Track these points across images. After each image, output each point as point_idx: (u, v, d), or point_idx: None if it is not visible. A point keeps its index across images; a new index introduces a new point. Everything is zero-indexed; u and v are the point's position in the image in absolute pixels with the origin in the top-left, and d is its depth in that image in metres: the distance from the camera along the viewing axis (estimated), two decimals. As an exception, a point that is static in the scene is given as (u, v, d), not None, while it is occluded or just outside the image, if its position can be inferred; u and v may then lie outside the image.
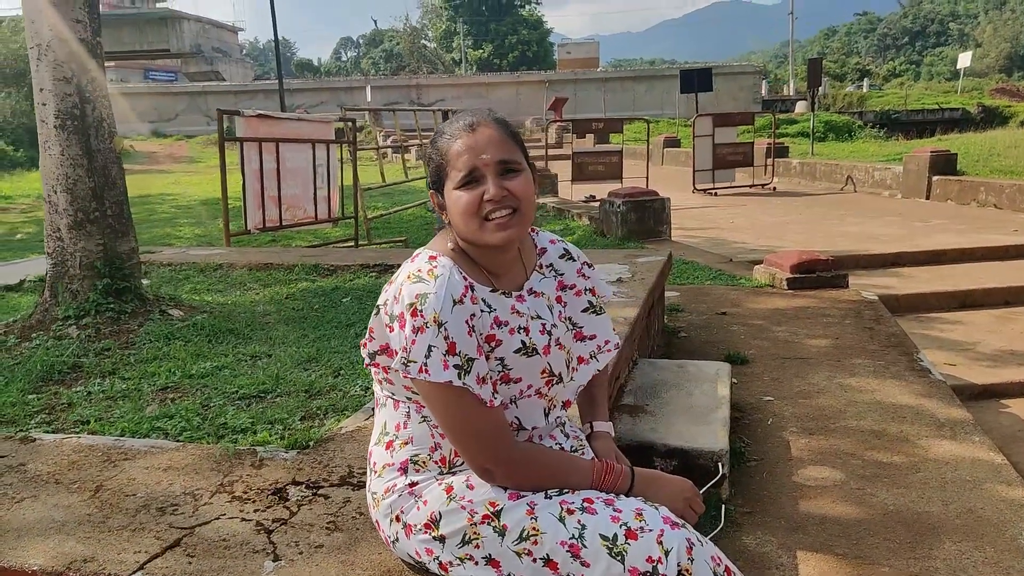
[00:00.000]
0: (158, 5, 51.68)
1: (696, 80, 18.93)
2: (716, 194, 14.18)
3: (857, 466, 3.08)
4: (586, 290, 1.73)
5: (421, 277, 1.46)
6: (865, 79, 46.53)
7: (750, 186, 14.79)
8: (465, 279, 1.51)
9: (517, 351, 1.54)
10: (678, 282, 6.59)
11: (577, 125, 18.68)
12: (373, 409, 2.45)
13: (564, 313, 1.68)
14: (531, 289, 1.63)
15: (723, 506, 2.68)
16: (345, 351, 3.43)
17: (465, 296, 1.47)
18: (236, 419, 2.56)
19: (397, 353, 1.47)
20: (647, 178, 13.31)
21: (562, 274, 1.71)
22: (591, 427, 1.78)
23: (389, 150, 18.26)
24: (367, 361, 1.61)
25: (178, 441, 2.30)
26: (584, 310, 1.71)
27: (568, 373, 1.65)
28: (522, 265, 1.65)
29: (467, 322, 1.45)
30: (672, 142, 22.00)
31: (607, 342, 1.74)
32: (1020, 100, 36.62)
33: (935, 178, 12.42)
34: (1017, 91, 41.96)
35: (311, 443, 2.15)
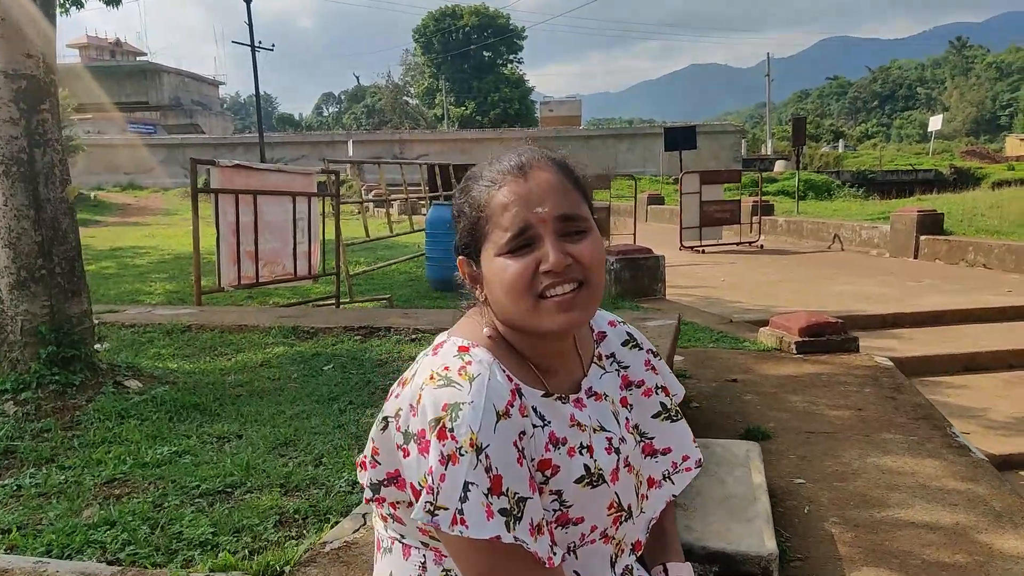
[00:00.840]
0: (138, 59, 51.80)
1: (680, 138, 18.95)
2: (704, 251, 13.98)
3: (917, 568, 2.69)
4: (657, 388, 1.31)
5: (450, 379, 1.06)
6: (840, 140, 47.44)
7: (737, 243, 14.62)
8: (510, 380, 1.11)
9: (579, 480, 1.13)
10: (680, 345, 6.22)
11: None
12: (363, 517, 2.03)
13: (631, 420, 1.28)
14: (591, 390, 1.23)
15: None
16: (327, 432, 3.00)
17: (512, 406, 1.06)
18: (194, 527, 2.12)
19: (413, 487, 1.06)
20: (635, 235, 13.08)
21: (627, 367, 1.30)
22: (664, 570, 1.34)
23: (372, 204, 17.97)
24: (368, 495, 1.19)
25: (115, 563, 1.85)
26: (656, 415, 1.30)
27: (638, 503, 1.24)
28: (578, 357, 1.24)
29: (515, 444, 1.05)
30: (656, 199, 21.94)
31: (686, 458, 1.32)
32: (990, 162, 37.37)
33: (923, 237, 12.30)
34: (987, 153, 42.95)
35: (287, 569, 1.71)
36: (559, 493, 1.12)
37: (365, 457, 1.20)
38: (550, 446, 1.12)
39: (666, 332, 4.12)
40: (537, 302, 1.09)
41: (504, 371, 1.11)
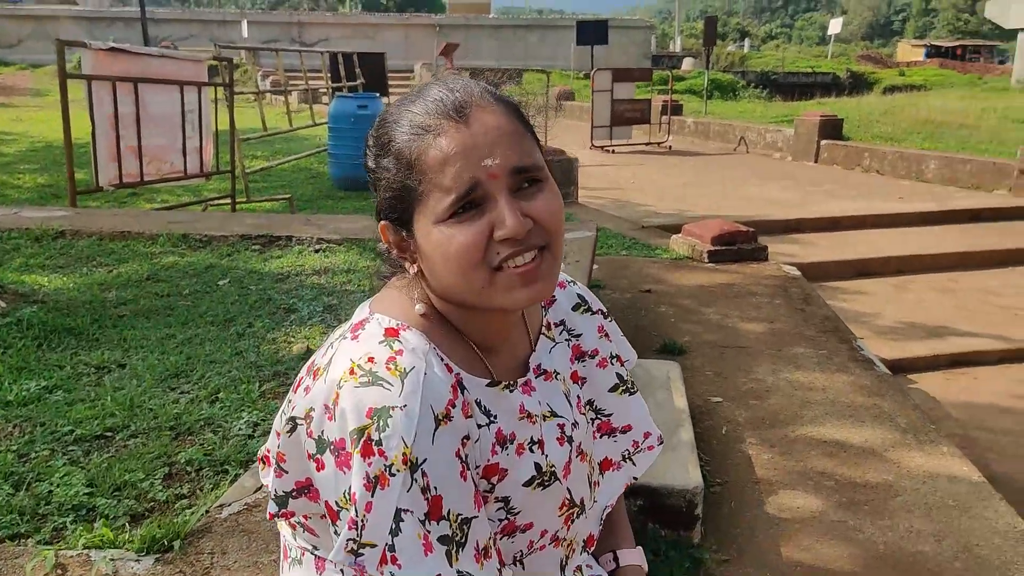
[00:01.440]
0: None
1: (592, 32, 18.47)
2: (614, 151, 13.87)
3: (831, 490, 2.72)
4: (612, 357, 1.13)
5: (376, 375, 0.84)
6: (746, 39, 47.61)
7: (646, 144, 14.57)
8: (449, 370, 0.90)
9: (529, 482, 0.95)
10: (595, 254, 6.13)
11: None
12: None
13: (583, 397, 1.09)
14: (540, 368, 1.03)
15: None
16: (223, 360, 2.73)
17: (454, 405, 0.86)
18: (66, 485, 1.84)
19: (330, 506, 0.85)
20: (545, 134, 12.78)
21: (579, 335, 1.11)
22: (615, 558, 1.18)
23: (269, 93, 16.83)
24: (273, 509, 0.97)
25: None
26: (612, 388, 1.12)
27: (591, 494, 1.07)
28: (525, 329, 1.04)
29: (458, 454, 0.85)
30: (566, 95, 21.49)
31: (647, 435, 1.16)
32: (883, 67, 38.37)
33: (823, 142, 12.56)
34: (880, 58, 44.08)
35: (176, 544, 1.48)
36: (506, 500, 0.94)
37: (267, 453, 0.98)
38: (497, 447, 0.92)
39: (586, 246, 3.97)
40: (492, 275, 0.87)
41: (443, 359, 0.90)
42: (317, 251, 4.21)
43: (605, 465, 1.12)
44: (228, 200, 7.26)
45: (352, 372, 0.84)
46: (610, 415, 1.13)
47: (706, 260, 5.80)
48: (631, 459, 1.15)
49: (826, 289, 6.35)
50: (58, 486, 1.84)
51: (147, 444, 2.10)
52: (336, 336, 0.94)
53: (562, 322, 1.11)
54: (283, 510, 0.95)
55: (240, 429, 2.19)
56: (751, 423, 3.24)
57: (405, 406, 0.82)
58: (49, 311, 3.17)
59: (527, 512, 0.95)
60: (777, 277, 5.51)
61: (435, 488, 0.82)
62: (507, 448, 0.93)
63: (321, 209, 7.38)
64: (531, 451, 0.96)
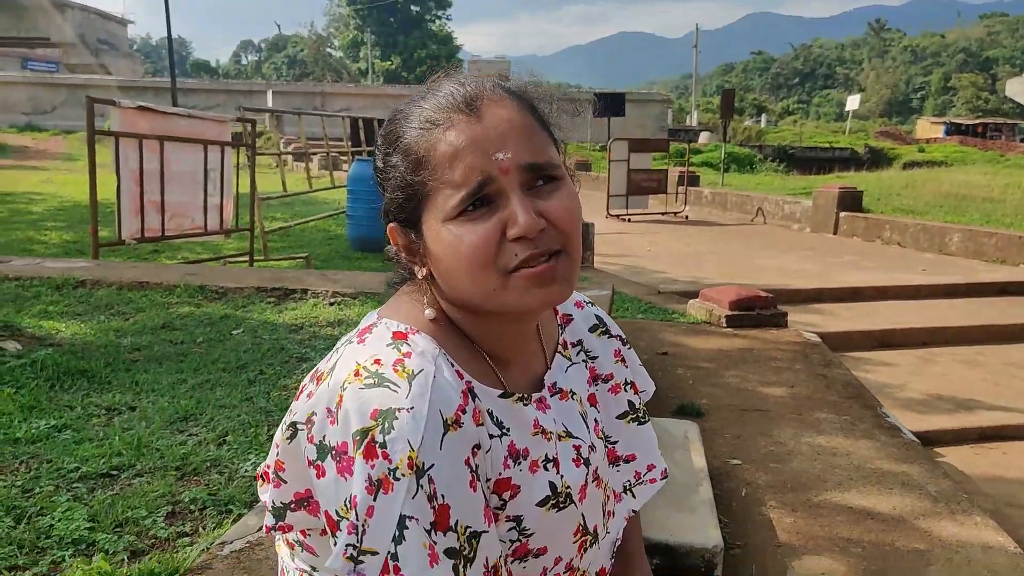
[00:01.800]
0: (41, -9, 48.27)
1: (609, 104, 18.85)
2: (630, 220, 13.96)
3: (859, 556, 2.59)
4: (626, 384, 1.09)
5: (382, 376, 0.80)
6: (763, 115, 48.40)
7: (663, 213, 14.66)
8: (460, 376, 0.85)
9: (543, 502, 0.89)
10: (610, 316, 6.09)
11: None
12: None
13: (600, 421, 1.05)
14: (555, 386, 0.98)
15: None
16: (233, 405, 2.69)
17: (464, 411, 0.81)
18: (68, 519, 1.80)
19: (329, 516, 0.80)
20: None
21: (595, 358, 1.07)
22: None
23: (290, 158, 17.21)
24: (270, 522, 0.92)
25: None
26: (622, 415, 1.08)
27: (604, 524, 1.01)
28: (540, 345, 1.00)
29: (467, 462, 0.80)
30: (583, 166, 21.82)
31: (651, 467, 1.11)
32: (902, 143, 38.80)
33: (843, 214, 12.56)
34: (899, 134, 44.63)
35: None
36: (518, 519, 0.88)
37: (267, 468, 0.93)
38: (509, 461, 0.87)
39: (602, 303, 3.94)
40: (505, 278, 0.83)
41: (453, 365, 0.85)
42: (332, 304, 4.20)
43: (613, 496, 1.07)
44: (246, 258, 7.33)
45: (357, 374, 0.80)
46: (615, 443, 1.08)
47: (724, 325, 5.73)
48: (631, 491, 1.09)
49: (848, 359, 6.24)
50: (59, 520, 1.80)
51: (152, 483, 2.05)
52: (342, 342, 0.90)
53: (580, 342, 1.07)
54: (280, 523, 0.90)
55: (246, 471, 2.14)
56: (772, 486, 3.12)
57: (412, 408, 0.77)
58: (64, 354, 3.17)
59: (541, 535, 0.89)
60: (797, 343, 5.42)
61: (442, 496, 0.77)
62: (520, 464, 0.88)
63: (338, 268, 7.42)
64: (546, 469, 0.90)
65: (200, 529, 1.81)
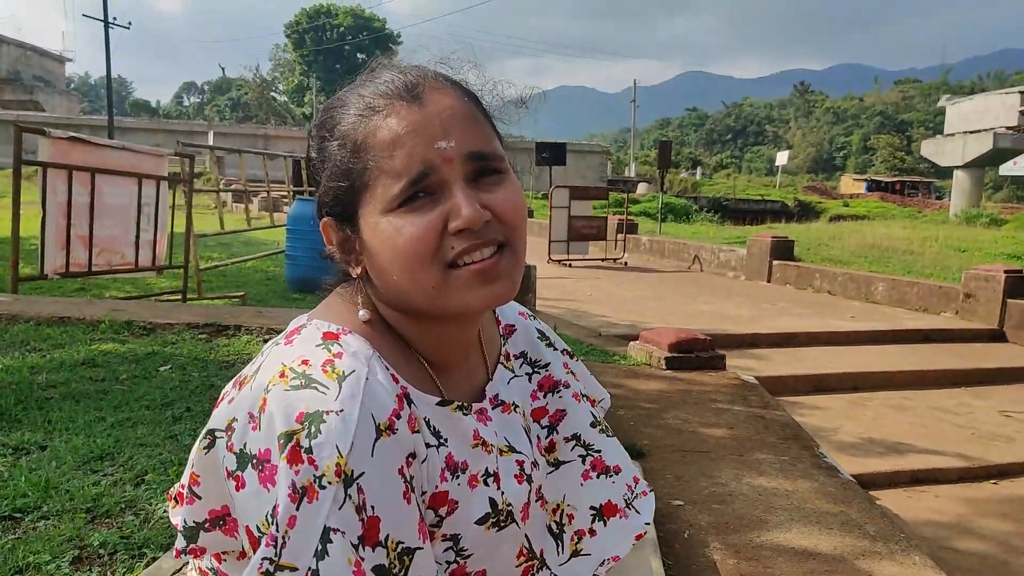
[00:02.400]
0: (-29, 25, 46.97)
1: (551, 154, 19.12)
2: (571, 265, 14.08)
3: (801, 597, 2.56)
4: (583, 395, 1.04)
5: (310, 377, 0.73)
6: (698, 167, 49.87)
7: (602, 259, 14.85)
8: (395, 380, 0.79)
9: (483, 520, 0.83)
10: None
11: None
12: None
13: (543, 437, 0.98)
14: (497, 398, 0.93)
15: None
16: (155, 444, 2.53)
17: (398, 417, 0.75)
18: (-39, 566, 1.63)
19: (251, 532, 0.72)
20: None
21: (546, 366, 1.02)
22: None
23: (230, 197, 16.88)
24: (180, 544, 0.83)
25: None
26: (592, 424, 1.02)
27: (557, 547, 0.94)
28: (481, 354, 0.94)
29: (401, 472, 0.74)
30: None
31: (636, 480, 1.03)
32: (828, 197, 40.40)
33: (775, 262, 12.89)
34: (825, 189, 46.50)
35: (75, 630, 1.29)
36: (455, 538, 0.81)
37: (181, 488, 0.85)
38: (447, 474, 0.81)
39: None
40: (446, 274, 0.78)
41: (388, 368, 0.79)
42: (266, 341, 4.05)
43: (610, 511, 0.98)
44: (179, 296, 7.08)
45: (283, 375, 0.73)
46: (599, 451, 1.00)
47: (664, 367, 5.76)
48: (634, 506, 1.00)
49: (783, 403, 6.33)
50: (-52, 567, 1.63)
51: (59, 526, 1.89)
52: (268, 346, 0.83)
53: (523, 354, 1.01)
54: (192, 545, 0.81)
55: (164, 512, 1.99)
56: (715, 527, 3.09)
57: (341, 411, 0.70)
58: (-30, 390, 2.95)
59: (480, 557, 0.82)
60: (735, 385, 5.47)
61: (372, 508, 0.70)
62: (458, 477, 0.82)
63: (274, 307, 7.23)
64: (485, 484, 0.84)
65: (109, 574, 1.66)
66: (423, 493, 0.78)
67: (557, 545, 0.94)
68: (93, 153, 6.11)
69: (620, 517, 0.98)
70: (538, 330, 1.06)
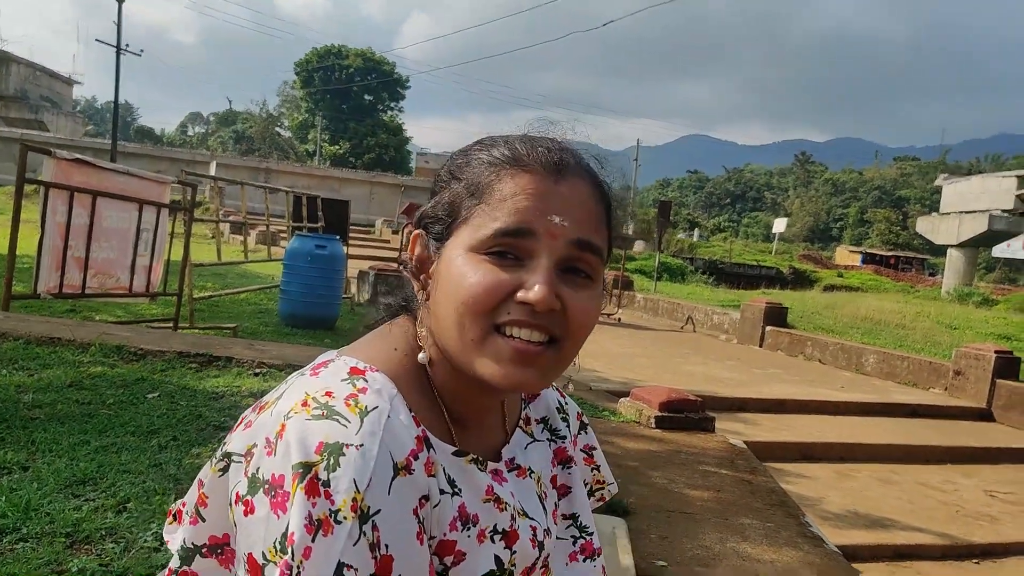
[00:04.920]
0: (-12, 44, 47.65)
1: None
2: (564, 318, 14.11)
3: (782, 669, 2.52)
4: (595, 470, 1.05)
5: (332, 409, 0.73)
6: (695, 229, 50.30)
7: (597, 314, 14.89)
8: (416, 423, 0.79)
9: None
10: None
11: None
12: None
13: (564, 510, 0.98)
14: (513, 461, 0.92)
15: None
16: (139, 471, 2.50)
17: (416, 458, 0.75)
18: (-66, 585, 1.60)
19: (253, 560, 0.71)
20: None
21: (563, 438, 1.01)
22: None
23: (228, 228, 16.94)
24: (175, 565, 0.82)
25: None
26: (592, 506, 1.03)
27: None
28: (502, 416, 0.94)
29: (416, 512, 0.73)
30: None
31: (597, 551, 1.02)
32: (823, 267, 40.71)
33: (768, 328, 12.94)
34: (820, 259, 46.90)
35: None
36: None
37: (183, 506, 0.84)
38: (458, 524, 0.80)
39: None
40: (490, 334, 0.77)
41: (410, 411, 0.78)
42: (256, 374, 4.04)
43: None
44: (170, 324, 7.06)
45: (305, 404, 0.73)
46: (591, 534, 0.99)
47: (653, 425, 5.73)
48: None
49: (770, 469, 6.30)
50: (-79, 586, 1.60)
51: (37, 549, 1.86)
52: (293, 376, 0.84)
53: (544, 419, 1.00)
54: (185, 568, 0.80)
55: (146, 541, 1.96)
56: (698, 592, 3.05)
57: (362, 446, 0.70)
58: (-46, 406, 2.92)
59: None
60: (724, 448, 5.45)
61: (386, 546, 0.69)
62: (469, 529, 0.81)
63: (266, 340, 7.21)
64: (493, 541, 0.83)
65: (86, 601, 1.63)
66: (431, 538, 0.77)
67: None
68: (96, 176, 6.16)
69: None
70: (558, 401, 1.05)
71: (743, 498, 4.32)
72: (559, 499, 0.97)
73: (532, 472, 0.93)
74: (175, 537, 0.83)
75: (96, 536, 1.98)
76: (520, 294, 0.75)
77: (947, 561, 5.15)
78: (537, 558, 0.88)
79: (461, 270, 0.77)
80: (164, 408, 3.35)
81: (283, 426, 0.72)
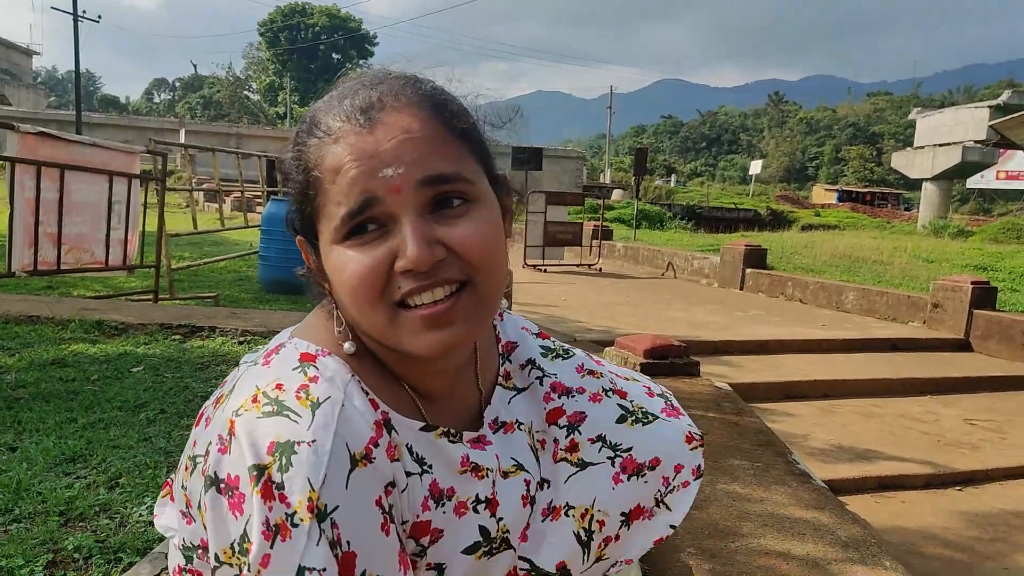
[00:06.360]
0: (-63, 15, 45.94)
1: (527, 159, 19.10)
2: (546, 271, 14.13)
3: (775, 603, 2.59)
4: (607, 391, 0.96)
5: (282, 404, 0.70)
6: (672, 175, 50.25)
7: (577, 265, 14.92)
8: (375, 406, 0.76)
9: (472, 549, 0.81)
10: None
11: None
12: (166, 556, 1.61)
13: (561, 439, 0.93)
14: (497, 420, 0.89)
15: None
16: (128, 446, 2.49)
17: (376, 445, 0.72)
18: (-70, 570, 1.59)
19: (218, 556, 0.70)
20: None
21: (554, 374, 0.96)
22: None
23: (202, 197, 16.70)
24: (180, 561, 0.80)
25: None
26: (620, 420, 0.94)
27: (587, 556, 0.89)
28: (474, 375, 0.89)
29: (379, 503, 0.71)
30: (500, 216, 22.01)
31: (679, 468, 0.94)
32: (799, 207, 40.94)
33: (748, 270, 13.03)
34: (797, 199, 47.13)
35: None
36: (440, 568, 0.79)
37: (171, 483, 0.83)
38: (430, 502, 0.78)
39: (522, 347, 3.90)
40: (394, 313, 0.74)
41: (368, 393, 0.76)
42: (241, 343, 4.02)
43: (635, 514, 0.91)
44: (150, 296, 6.98)
45: (255, 400, 0.71)
46: (630, 449, 0.92)
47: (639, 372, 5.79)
48: (663, 503, 0.93)
49: (756, 410, 6.39)
50: (-83, 571, 1.59)
51: (31, 529, 1.86)
52: (246, 359, 0.82)
53: (531, 361, 0.96)
54: (190, 566, 0.78)
55: (140, 515, 1.96)
56: (690, 533, 3.11)
57: (314, 441, 0.68)
58: (-64, 390, 2.88)
59: None
60: (710, 391, 5.51)
61: (347, 543, 0.67)
62: (443, 505, 0.79)
63: (248, 308, 7.16)
64: (476, 511, 0.81)
65: (85, 578, 1.64)
66: (404, 522, 0.76)
67: (584, 553, 0.89)
68: (63, 149, 6.01)
69: (644, 519, 0.92)
70: (542, 347, 1.00)
71: (731, 440, 4.39)
72: (580, 425, 0.93)
73: (521, 424, 0.91)
74: (164, 512, 0.82)
75: (90, 513, 1.98)
76: (398, 264, 0.72)
77: (930, 489, 5.29)
78: (530, 513, 0.86)
79: (336, 266, 0.75)
80: (150, 381, 3.33)
81: (232, 423, 0.70)
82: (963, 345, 8.89)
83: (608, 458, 0.91)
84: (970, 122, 29.16)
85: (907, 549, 4.39)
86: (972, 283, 9.09)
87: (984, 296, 9.01)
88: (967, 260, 14.43)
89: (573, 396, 0.94)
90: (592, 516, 0.89)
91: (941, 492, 5.27)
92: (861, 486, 5.24)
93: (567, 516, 0.88)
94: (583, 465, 0.90)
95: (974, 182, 28.18)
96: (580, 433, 0.92)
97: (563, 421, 0.92)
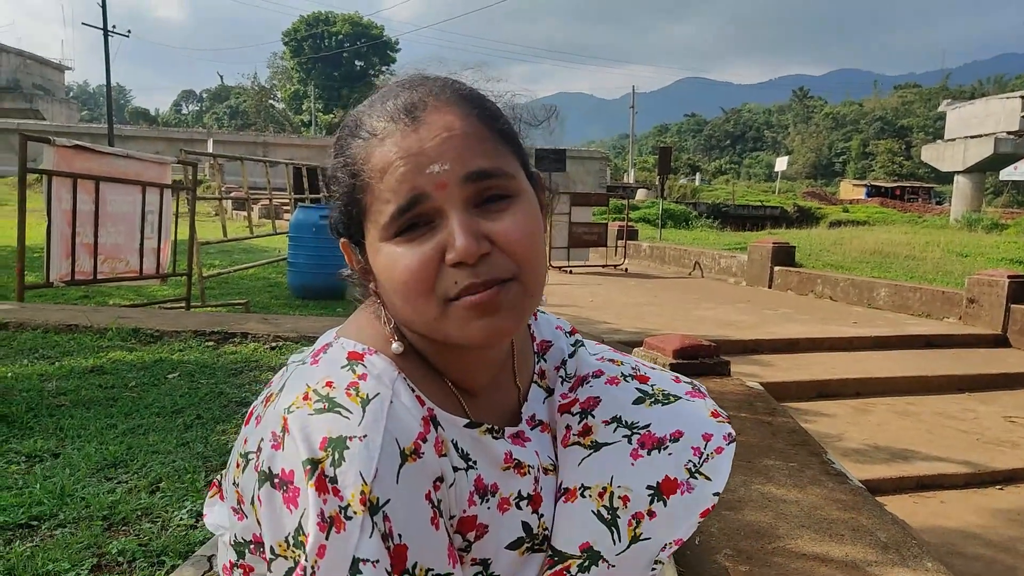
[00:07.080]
0: (-28, 33, 47.10)
1: (550, 160, 19.10)
2: (571, 272, 14.11)
3: (815, 604, 2.56)
4: (626, 376, 0.95)
5: (333, 401, 0.72)
6: (697, 173, 49.95)
7: (603, 266, 14.88)
8: (421, 403, 0.78)
9: (515, 544, 0.81)
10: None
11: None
12: (209, 561, 1.63)
13: (574, 425, 0.91)
14: (534, 418, 0.90)
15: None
16: (167, 451, 2.53)
17: (425, 440, 0.74)
18: (-20, 575, 1.63)
19: (265, 554, 0.72)
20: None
21: (572, 373, 0.97)
22: None
23: (230, 205, 16.91)
24: (232, 557, 0.82)
25: None
26: (637, 401, 0.91)
27: (617, 536, 0.85)
28: (512, 373, 0.91)
29: (429, 497, 0.73)
30: (525, 218, 22.01)
31: (708, 437, 0.89)
32: (827, 203, 40.50)
33: (777, 268, 12.89)
34: (824, 195, 46.61)
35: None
36: (485, 563, 0.80)
37: (220, 480, 0.84)
38: (475, 497, 0.79)
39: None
40: (444, 307, 0.75)
41: (414, 390, 0.77)
42: (273, 348, 4.06)
43: (669, 488, 0.86)
44: (183, 304, 7.09)
45: (306, 397, 0.73)
46: (648, 425, 0.89)
47: (670, 373, 5.76)
48: (700, 472, 0.87)
49: (788, 409, 6.32)
50: (-32, 576, 1.63)
51: (76, 534, 1.89)
52: (294, 359, 0.83)
53: (563, 364, 0.97)
54: (242, 560, 0.80)
55: (182, 519, 1.99)
56: (726, 534, 3.08)
57: (365, 436, 0.70)
58: (-20, 399, 2.95)
59: None
60: (741, 391, 5.47)
61: (399, 536, 0.69)
62: (488, 501, 0.80)
63: (279, 314, 7.24)
64: (519, 508, 0.82)
65: (130, 582, 1.66)
66: (451, 517, 0.77)
67: (612, 532, 0.86)
68: (97, 161, 6.13)
69: (682, 492, 0.86)
70: (571, 345, 1.01)
71: (764, 440, 4.35)
72: (593, 409, 0.91)
73: (549, 426, 0.92)
74: (213, 512, 0.84)
75: (132, 517, 2.02)
76: (448, 257, 0.73)
77: (970, 489, 5.19)
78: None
79: (385, 263, 0.76)
80: (185, 387, 3.38)
81: (285, 420, 0.72)
82: (1000, 341, 8.72)
83: (624, 436, 0.89)
84: (1002, 113, 28.63)
85: (948, 550, 4.32)
86: (1009, 277, 8.92)
87: (1021, 290, 8.83)
88: (1002, 254, 14.15)
89: (589, 383, 0.94)
90: (612, 493, 0.86)
91: (981, 491, 5.18)
92: (899, 486, 5.16)
93: (584, 497, 0.86)
94: (597, 447, 0.89)
95: (1007, 174, 27.65)
96: (594, 417, 0.90)
97: (576, 408, 0.92)
